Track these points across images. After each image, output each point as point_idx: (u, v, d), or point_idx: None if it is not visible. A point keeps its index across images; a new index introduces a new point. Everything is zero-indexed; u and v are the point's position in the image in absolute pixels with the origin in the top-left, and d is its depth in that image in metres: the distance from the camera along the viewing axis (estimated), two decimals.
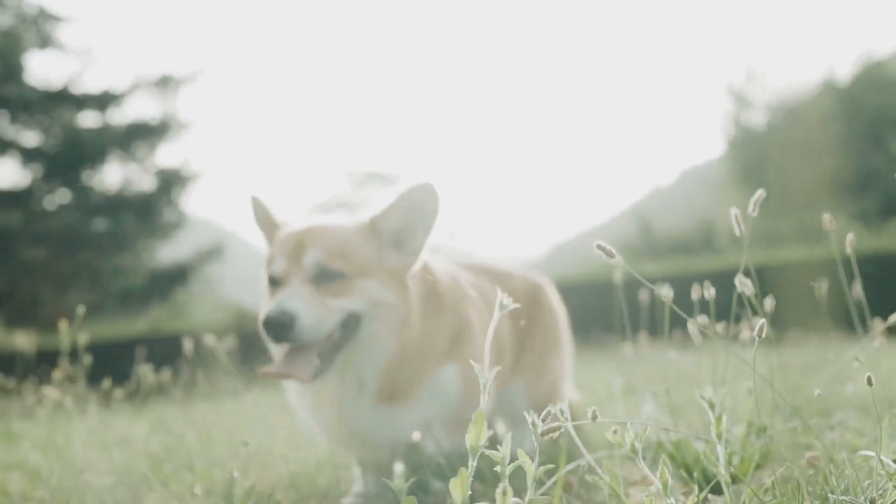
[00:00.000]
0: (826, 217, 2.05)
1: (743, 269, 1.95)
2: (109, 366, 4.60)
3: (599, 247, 1.78)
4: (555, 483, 1.68)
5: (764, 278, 2.07)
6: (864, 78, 37.48)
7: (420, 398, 2.30)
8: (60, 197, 24.77)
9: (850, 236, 2.04)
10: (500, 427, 2.70)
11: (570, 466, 1.82)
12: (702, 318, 2.24)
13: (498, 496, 1.34)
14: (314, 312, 2.07)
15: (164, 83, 25.35)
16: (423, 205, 2.24)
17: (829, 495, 1.58)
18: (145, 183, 25.39)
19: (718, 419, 1.58)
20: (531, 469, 1.47)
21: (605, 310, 3.19)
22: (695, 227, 43.10)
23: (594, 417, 1.62)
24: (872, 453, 1.64)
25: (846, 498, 1.54)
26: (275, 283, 2.20)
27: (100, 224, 24.87)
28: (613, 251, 1.77)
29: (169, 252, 26.62)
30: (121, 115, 25.34)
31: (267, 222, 2.39)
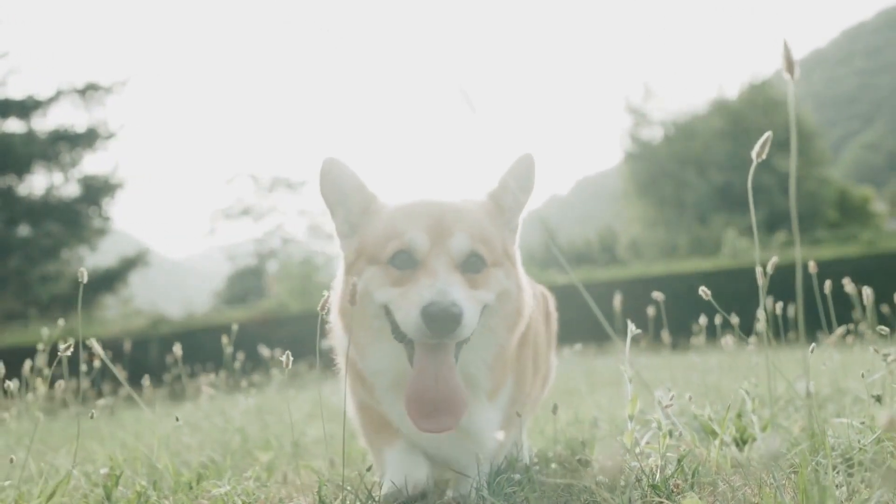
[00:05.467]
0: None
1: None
2: (14, 370, 4.44)
3: (702, 291, 2.15)
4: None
5: (662, 287, 2.24)
6: (751, 96, 39.62)
7: (502, 395, 2.08)
8: None
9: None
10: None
11: None
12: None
13: None
14: (472, 306, 1.77)
15: (91, 91, 24.61)
16: (529, 177, 2.03)
17: (828, 440, 2.08)
18: (71, 190, 24.64)
19: (754, 400, 2.40)
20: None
21: None
22: (594, 236, 44.21)
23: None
24: (845, 420, 2.31)
25: (841, 439, 2.15)
26: (405, 262, 1.85)
27: (25, 231, 24.11)
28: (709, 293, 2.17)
29: (89, 260, 25.97)
30: (46, 122, 24.57)
31: (359, 190, 2.03)
